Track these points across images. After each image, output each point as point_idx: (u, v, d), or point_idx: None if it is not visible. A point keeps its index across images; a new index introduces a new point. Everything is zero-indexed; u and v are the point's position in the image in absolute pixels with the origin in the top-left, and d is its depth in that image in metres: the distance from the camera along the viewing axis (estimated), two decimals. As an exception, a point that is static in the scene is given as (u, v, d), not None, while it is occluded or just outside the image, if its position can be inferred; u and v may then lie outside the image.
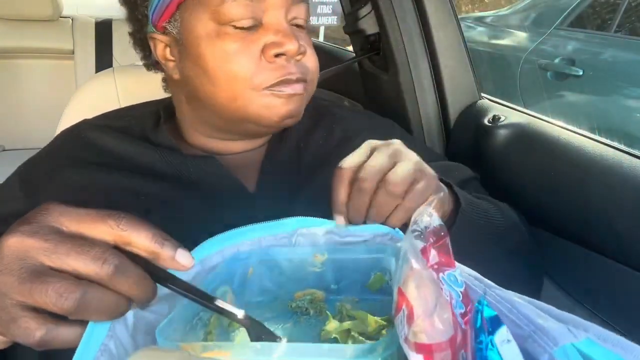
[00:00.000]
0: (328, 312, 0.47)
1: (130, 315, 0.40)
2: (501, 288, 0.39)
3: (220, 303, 0.39)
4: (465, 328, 0.34)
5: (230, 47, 0.60)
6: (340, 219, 0.51)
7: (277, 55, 0.61)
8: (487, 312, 0.35)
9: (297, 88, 0.63)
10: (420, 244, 0.36)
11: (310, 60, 0.66)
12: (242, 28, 0.61)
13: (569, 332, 0.34)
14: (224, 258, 0.49)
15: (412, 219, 0.39)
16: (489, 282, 0.40)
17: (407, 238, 0.38)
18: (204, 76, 0.62)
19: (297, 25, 0.66)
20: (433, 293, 0.33)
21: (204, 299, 0.39)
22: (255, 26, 0.62)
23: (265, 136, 0.73)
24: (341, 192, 0.51)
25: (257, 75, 0.61)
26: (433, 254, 0.37)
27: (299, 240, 0.51)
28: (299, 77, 0.63)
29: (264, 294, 0.51)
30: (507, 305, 0.37)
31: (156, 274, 0.38)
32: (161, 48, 0.67)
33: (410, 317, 0.32)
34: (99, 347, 0.36)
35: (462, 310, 0.35)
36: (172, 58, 0.67)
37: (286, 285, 0.51)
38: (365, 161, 0.51)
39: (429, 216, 0.38)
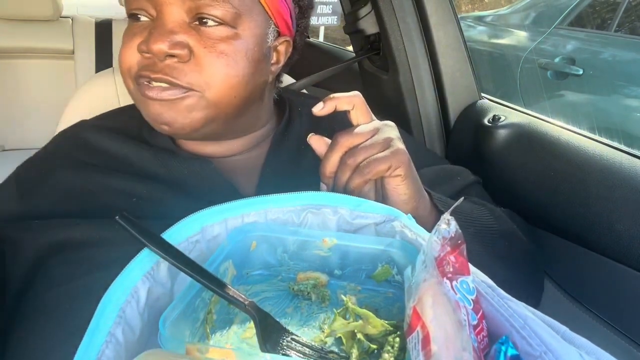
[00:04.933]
0: (335, 310, 0.47)
1: (143, 293, 0.41)
2: (514, 299, 0.38)
3: (229, 290, 0.40)
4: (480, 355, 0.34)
5: (123, 40, 0.62)
6: (324, 188, 0.58)
7: (147, 52, 0.58)
8: (511, 352, 0.35)
9: (159, 93, 0.58)
10: (436, 253, 0.36)
11: (205, 66, 0.59)
12: (135, 23, 0.61)
13: (581, 358, 0.33)
14: (226, 229, 0.49)
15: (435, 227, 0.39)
16: (502, 292, 0.39)
17: (425, 247, 0.38)
18: None
19: (207, 24, 0.59)
20: (451, 320, 0.32)
21: (214, 285, 0.40)
22: (150, 21, 0.61)
23: (229, 139, 0.70)
24: (331, 163, 0.56)
25: (132, 68, 0.61)
26: (449, 262, 0.36)
27: (308, 218, 0.51)
28: (161, 77, 0.58)
29: (265, 268, 0.51)
30: (520, 321, 0.36)
31: (167, 253, 0.39)
32: None
33: (425, 342, 0.32)
34: (104, 339, 0.36)
35: (475, 322, 0.35)
36: None
37: (289, 263, 0.51)
38: (362, 142, 0.55)
39: (447, 224, 0.38)
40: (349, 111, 0.59)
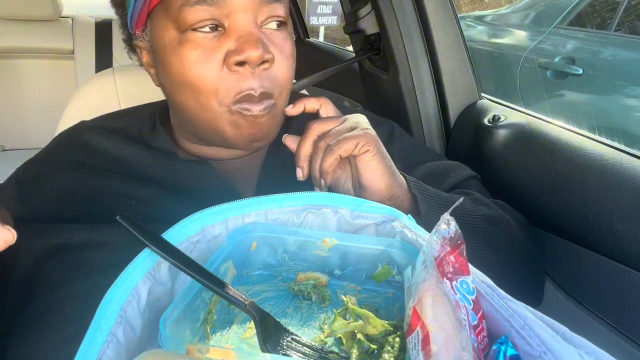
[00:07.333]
0: (335, 310, 0.47)
1: (144, 293, 0.41)
2: (514, 299, 0.38)
3: (229, 290, 0.40)
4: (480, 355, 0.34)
5: (192, 55, 0.58)
6: (299, 172, 0.60)
7: (239, 64, 0.57)
8: (510, 352, 0.35)
9: (260, 108, 0.59)
10: (436, 253, 0.36)
11: (280, 70, 0.61)
12: (204, 34, 0.58)
13: (580, 358, 0.33)
14: (227, 229, 0.49)
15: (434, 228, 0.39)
16: (502, 292, 0.39)
17: (425, 247, 0.38)
18: (173, 84, 0.62)
19: (277, 26, 0.61)
20: (451, 320, 0.32)
21: (215, 285, 0.40)
22: (220, 31, 0.58)
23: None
24: (305, 146, 0.59)
25: (220, 86, 0.58)
26: (449, 262, 0.37)
27: (309, 218, 0.51)
28: (263, 92, 0.59)
29: (265, 268, 0.51)
30: (519, 321, 0.36)
31: (168, 253, 0.40)
32: (144, 55, 0.67)
33: (425, 342, 0.32)
34: (105, 339, 0.37)
35: (475, 322, 0.35)
36: (153, 65, 0.66)
37: (289, 263, 0.51)
38: (332, 127, 0.59)
39: (447, 224, 0.38)
40: (318, 110, 0.64)
